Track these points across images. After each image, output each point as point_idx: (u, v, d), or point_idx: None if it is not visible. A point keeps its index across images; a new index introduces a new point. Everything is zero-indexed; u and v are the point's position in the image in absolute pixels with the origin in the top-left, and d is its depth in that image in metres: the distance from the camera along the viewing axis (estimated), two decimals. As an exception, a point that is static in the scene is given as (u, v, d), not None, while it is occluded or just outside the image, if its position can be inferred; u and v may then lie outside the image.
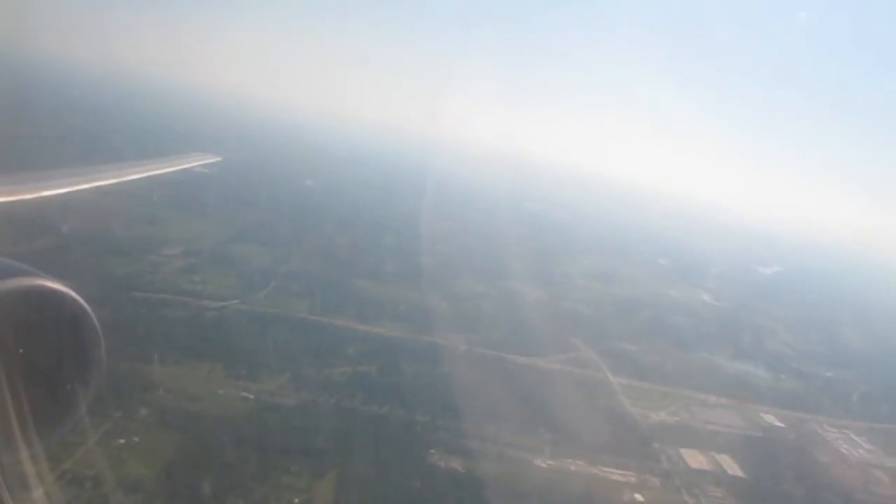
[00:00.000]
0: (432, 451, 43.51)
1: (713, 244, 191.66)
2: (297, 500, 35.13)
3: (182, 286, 60.10)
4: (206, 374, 45.16)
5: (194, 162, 23.54)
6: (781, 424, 64.73)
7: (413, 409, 48.10)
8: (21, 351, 4.31)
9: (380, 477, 38.77)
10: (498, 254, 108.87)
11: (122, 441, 35.60)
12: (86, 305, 4.75)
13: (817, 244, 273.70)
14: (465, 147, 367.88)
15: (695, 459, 52.21)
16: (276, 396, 44.85)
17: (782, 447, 59.52)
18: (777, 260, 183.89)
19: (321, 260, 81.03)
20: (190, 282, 61.83)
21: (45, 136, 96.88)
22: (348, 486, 37.18)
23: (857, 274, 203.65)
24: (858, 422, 69.46)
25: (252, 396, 43.81)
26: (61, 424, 4.71)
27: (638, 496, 44.99)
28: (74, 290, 4.71)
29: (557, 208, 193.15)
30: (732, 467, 52.52)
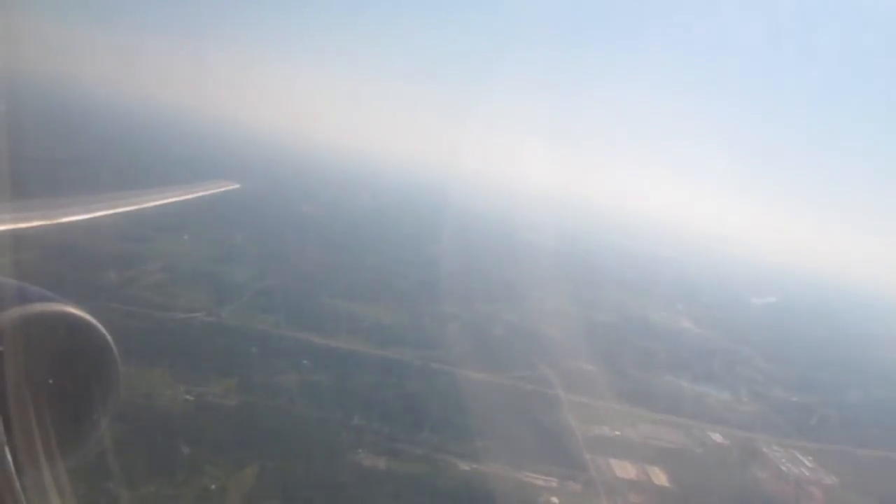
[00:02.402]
0: (359, 450, 46.89)
1: (716, 275, 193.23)
2: (213, 486, 38.84)
3: (154, 299, 64.53)
4: (156, 376, 48.94)
5: (214, 189, 24.13)
6: (726, 442, 66.72)
7: (352, 414, 51.52)
8: (44, 373, 4.42)
9: (298, 471, 42.24)
10: (484, 280, 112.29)
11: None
12: (104, 330, 4.93)
13: (823, 277, 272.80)
14: (487, 181, 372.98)
15: (623, 469, 54.73)
16: (218, 398, 48.68)
17: (719, 462, 61.70)
18: (777, 291, 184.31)
19: (299, 279, 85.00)
20: (164, 295, 66.28)
21: (70, 162, 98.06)
22: (265, 477, 40.69)
23: (856, 305, 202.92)
24: (810, 443, 71.01)
25: (192, 398, 47.69)
26: (81, 445, 4.83)
27: (554, 499, 47.64)
28: (94, 315, 4.88)
29: (562, 239, 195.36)
30: (659, 478, 54.89)
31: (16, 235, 9.40)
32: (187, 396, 47.76)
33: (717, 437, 67.35)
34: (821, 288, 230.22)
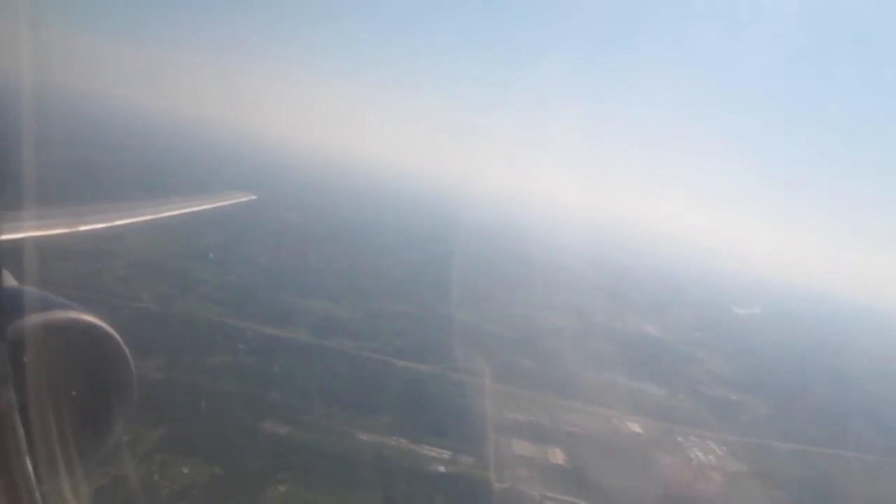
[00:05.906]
0: (266, 420, 52.16)
1: (707, 286, 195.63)
2: (126, 438, 44.50)
3: (113, 289, 70.59)
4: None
5: (230, 200, 24.41)
6: (641, 431, 70.61)
7: (269, 390, 56.82)
8: (63, 381, 4.52)
9: (201, 432, 47.61)
10: (453, 284, 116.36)
11: None
12: (118, 337, 5.05)
13: (820, 290, 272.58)
14: (497, 192, 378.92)
15: (522, 448, 58.95)
16: (145, 373, 54.34)
17: (626, 448, 65.57)
18: (767, 303, 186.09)
19: (260, 276, 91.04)
20: (123, 286, 72.42)
21: (91, 171, 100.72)
22: (171, 435, 46.12)
23: (844, 318, 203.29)
24: (731, 436, 74.38)
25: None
26: (97, 453, 4.94)
27: (441, 468, 52.31)
28: (108, 322, 4.96)
29: (551, 247, 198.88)
30: (557, 457, 59.03)
31: (35, 243, 9.50)
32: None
33: (634, 427, 71.16)
34: (813, 301, 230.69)
